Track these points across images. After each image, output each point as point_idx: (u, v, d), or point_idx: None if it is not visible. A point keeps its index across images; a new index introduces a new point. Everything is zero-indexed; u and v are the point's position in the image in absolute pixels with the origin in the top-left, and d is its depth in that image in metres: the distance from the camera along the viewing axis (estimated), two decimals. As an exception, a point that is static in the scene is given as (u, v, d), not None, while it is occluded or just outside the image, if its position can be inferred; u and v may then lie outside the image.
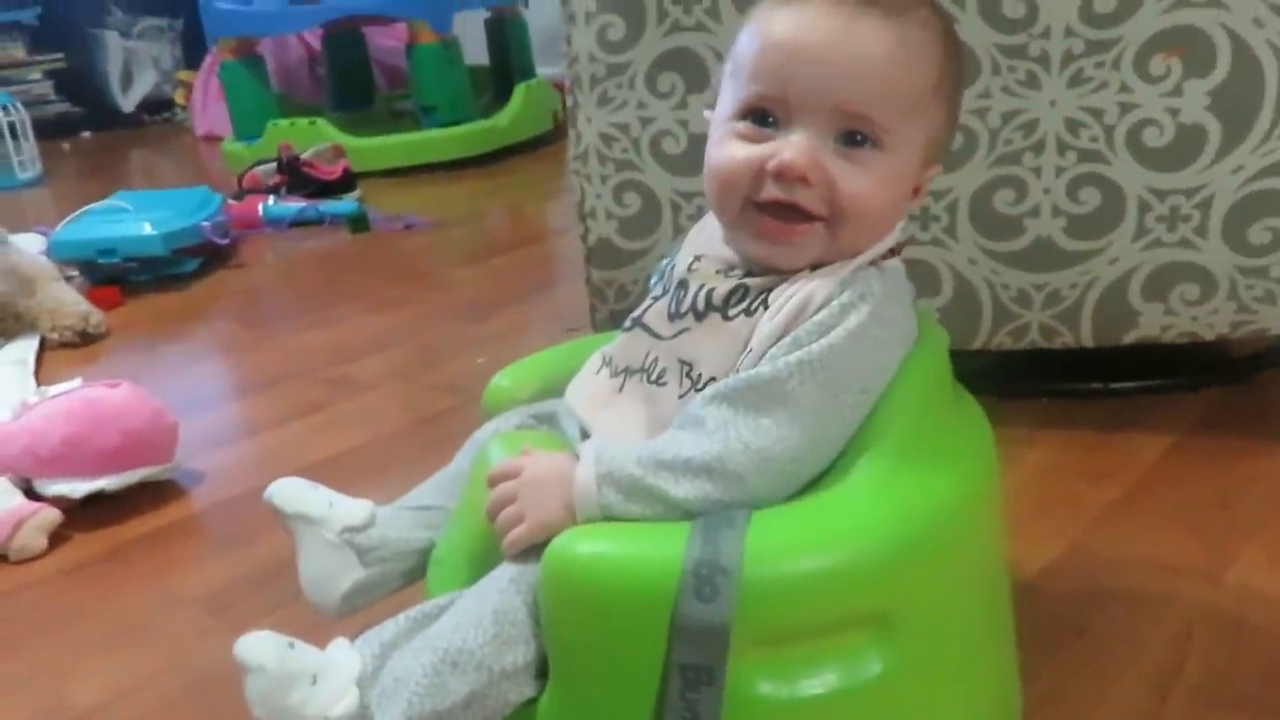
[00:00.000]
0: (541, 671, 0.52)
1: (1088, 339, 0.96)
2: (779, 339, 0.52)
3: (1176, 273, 0.91)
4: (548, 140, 2.74)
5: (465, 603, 0.53)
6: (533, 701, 0.52)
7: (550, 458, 0.54)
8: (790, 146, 0.52)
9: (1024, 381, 1.07)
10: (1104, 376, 1.06)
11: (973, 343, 0.98)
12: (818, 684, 0.49)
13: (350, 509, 0.65)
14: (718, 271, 0.57)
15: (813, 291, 0.52)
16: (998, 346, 0.98)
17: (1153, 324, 0.94)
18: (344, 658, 0.51)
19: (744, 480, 0.50)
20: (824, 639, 0.50)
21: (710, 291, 0.56)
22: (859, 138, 0.52)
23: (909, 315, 0.56)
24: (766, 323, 0.53)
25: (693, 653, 0.45)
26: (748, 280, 0.55)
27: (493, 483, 0.54)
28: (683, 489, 0.50)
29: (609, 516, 0.51)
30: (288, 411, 1.22)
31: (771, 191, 0.53)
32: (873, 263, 0.54)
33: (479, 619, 0.51)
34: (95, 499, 0.98)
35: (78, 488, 0.97)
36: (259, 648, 0.50)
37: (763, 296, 0.54)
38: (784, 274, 0.54)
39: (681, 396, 0.55)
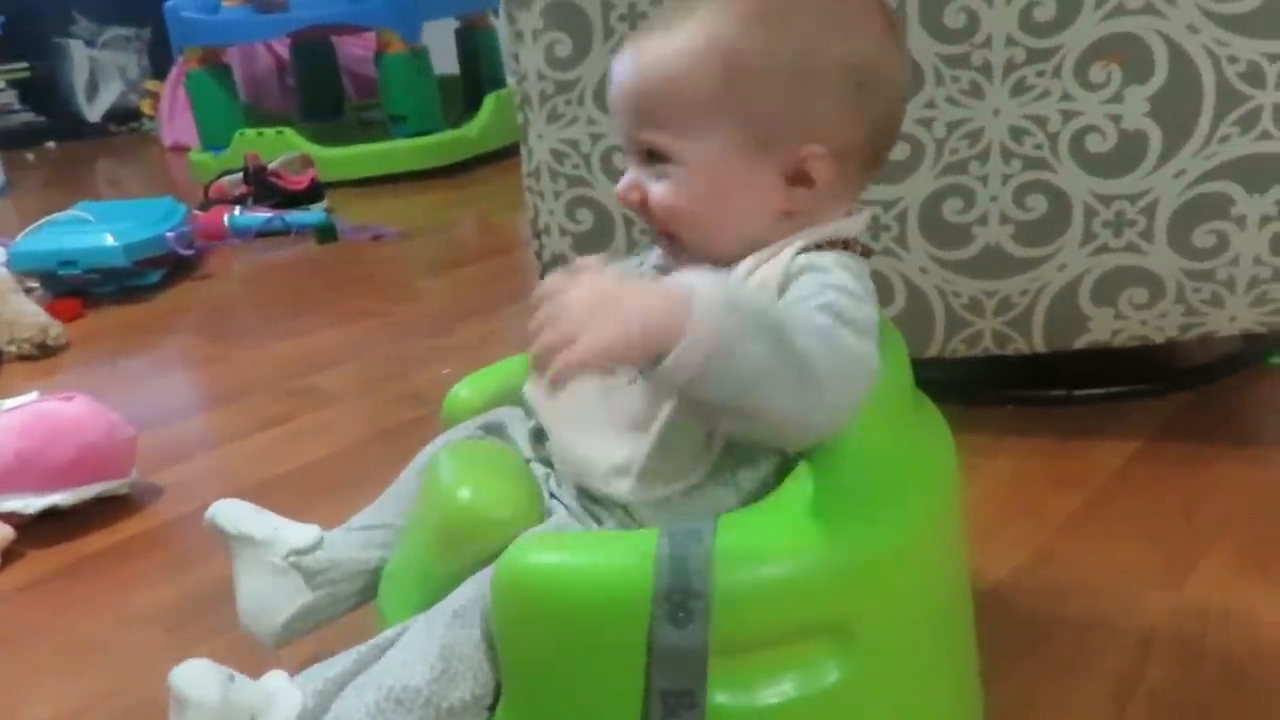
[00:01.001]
0: (492, 705, 0.52)
1: (1040, 344, 0.97)
2: None
3: (1124, 277, 0.93)
4: (517, 151, 2.72)
5: (412, 637, 0.53)
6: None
7: (622, 274, 0.50)
8: (621, 180, 0.57)
9: (988, 389, 1.08)
10: (1067, 384, 1.07)
11: (926, 351, 0.99)
12: (775, 693, 0.49)
13: (297, 533, 0.64)
14: (654, 267, 0.60)
15: (765, 276, 0.54)
16: (951, 354, 0.99)
17: (1103, 328, 0.95)
18: (285, 695, 0.51)
19: (853, 348, 0.49)
20: (782, 648, 0.50)
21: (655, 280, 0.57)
22: (654, 155, 0.55)
23: (870, 287, 0.56)
24: None
25: (673, 678, 0.46)
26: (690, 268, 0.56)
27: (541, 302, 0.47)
28: (805, 340, 0.47)
29: (709, 352, 0.45)
30: (250, 424, 1.21)
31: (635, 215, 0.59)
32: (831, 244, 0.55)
33: (425, 655, 0.51)
34: (49, 515, 0.98)
35: (31, 503, 0.96)
36: (199, 681, 0.49)
37: None
38: (723, 268, 0.55)
39: (631, 383, 0.56)
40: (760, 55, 0.54)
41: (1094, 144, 0.89)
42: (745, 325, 0.45)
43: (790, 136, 0.54)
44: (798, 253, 0.54)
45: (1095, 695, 0.67)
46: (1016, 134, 0.90)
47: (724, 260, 0.55)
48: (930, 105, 0.90)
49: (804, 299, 0.51)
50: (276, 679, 0.52)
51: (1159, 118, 0.87)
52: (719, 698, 0.49)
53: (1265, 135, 0.86)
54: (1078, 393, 1.07)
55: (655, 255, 0.61)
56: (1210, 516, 0.86)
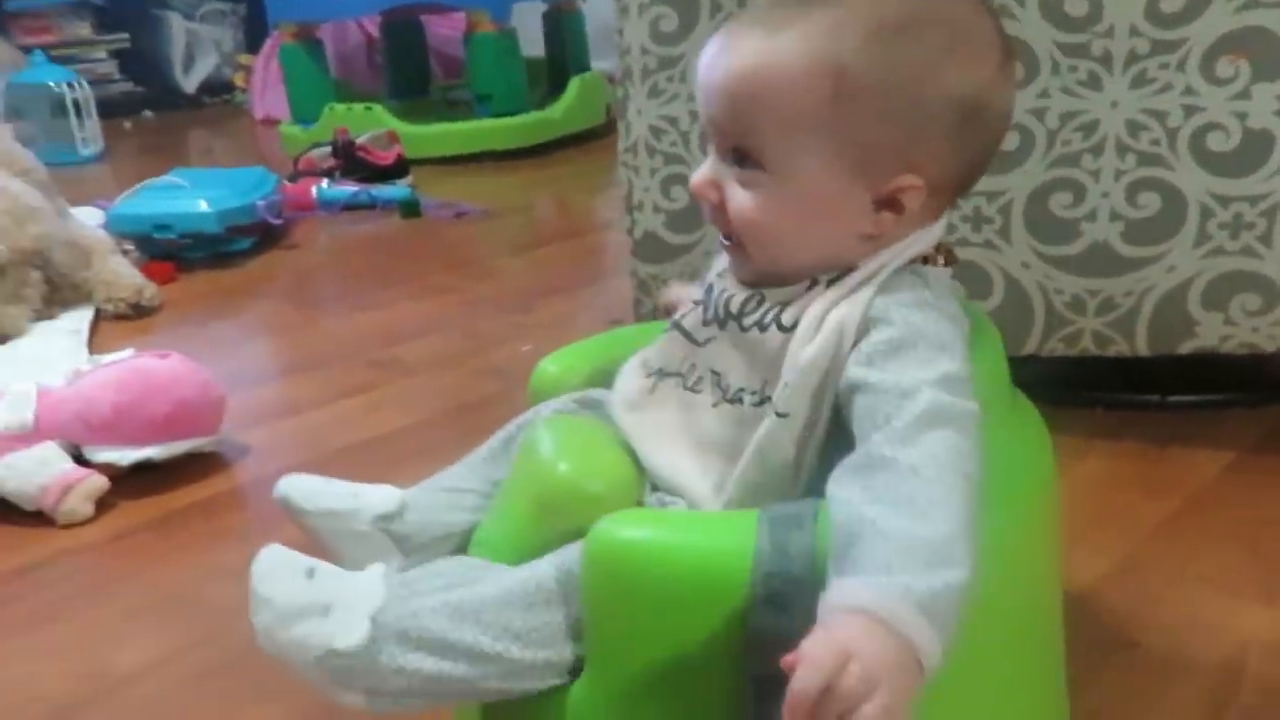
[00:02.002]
0: (572, 672, 0.51)
1: (1143, 348, 0.94)
2: (823, 375, 0.50)
3: (1237, 282, 0.89)
4: (600, 134, 2.74)
5: (505, 576, 0.52)
6: (560, 689, 0.51)
7: (850, 622, 0.42)
8: (700, 169, 0.54)
9: (1077, 391, 1.05)
10: (1159, 389, 1.03)
11: (1023, 349, 0.96)
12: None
13: (378, 497, 0.62)
14: (735, 278, 0.56)
15: (843, 319, 0.51)
16: (1049, 353, 0.96)
17: (1211, 334, 0.91)
18: (368, 588, 0.49)
19: (968, 475, 0.46)
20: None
21: (729, 299, 0.55)
22: (746, 158, 0.52)
23: (954, 307, 0.54)
24: (799, 349, 0.51)
25: (766, 663, 0.44)
26: (765, 290, 0.54)
27: (820, 675, 0.40)
28: (959, 504, 0.45)
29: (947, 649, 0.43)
30: (333, 392, 1.23)
31: (704, 211, 0.55)
32: (909, 266, 0.53)
33: (511, 599, 0.50)
34: (142, 468, 1.00)
35: (126, 455, 0.98)
36: (273, 578, 0.48)
37: (775, 310, 0.53)
38: (790, 283, 0.53)
39: (715, 406, 0.55)
40: (873, 79, 0.50)
41: (1216, 142, 0.86)
42: (953, 619, 0.43)
43: (889, 165, 0.51)
44: (876, 292, 0.51)
45: (1185, 706, 0.65)
46: (1133, 128, 0.87)
47: (790, 274, 0.53)
48: (1044, 95, 0.88)
49: (904, 403, 0.47)
50: (372, 573, 0.51)
51: (1288, 116, 0.84)
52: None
53: (1402, 138, 0.82)
54: (1171, 399, 1.03)
55: (721, 256, 0.59)
56: (1311, 533, 0.83)
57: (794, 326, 0.52)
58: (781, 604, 0.46)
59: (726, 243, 0.55)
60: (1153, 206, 0.89)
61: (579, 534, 0.52)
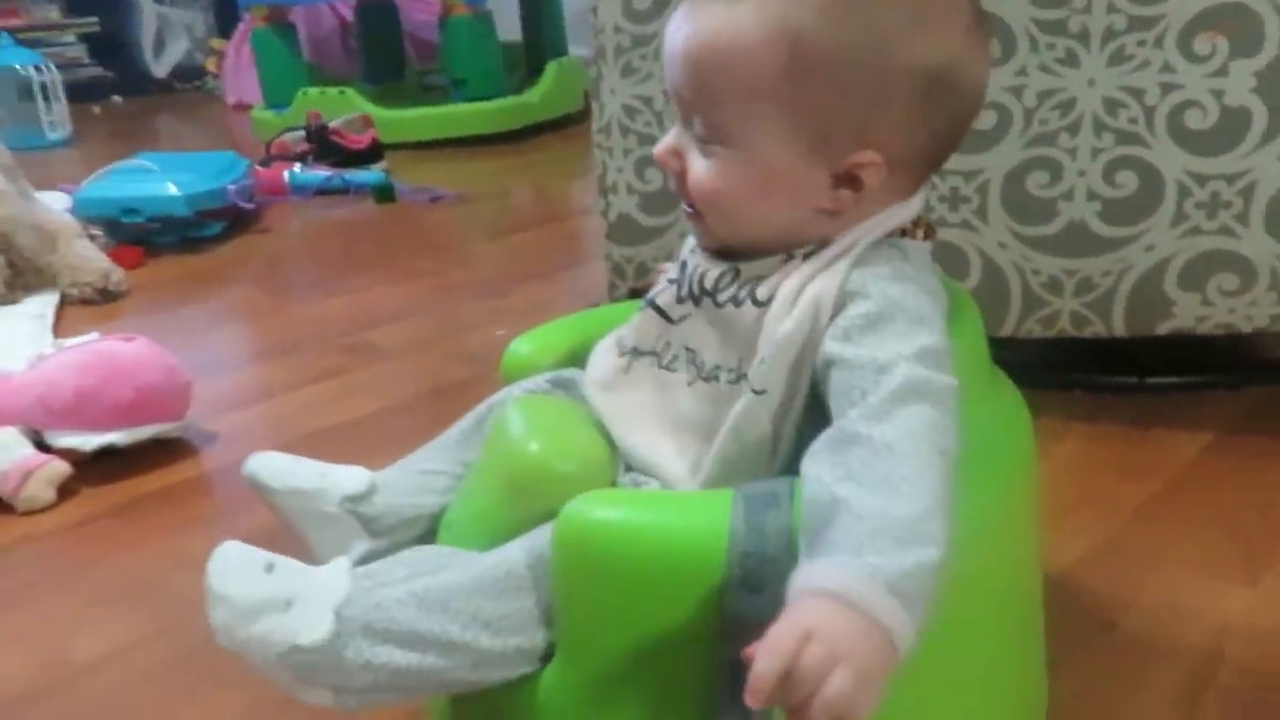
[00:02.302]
0: (544, 658, 0.50)
1: (1120, 328, 0.93)
2: (800, 350, 0.49)
3: (1215, 261, 0.89)
4: (578, 119, 2.72)
5: (471, 567, 0.50)
6: (531, 676, 0.50)
7: (815, 605, 0.41)
8: (663, 139, 0.54)
9: (1055, 373, 1.04)
10: (1138, 371, 1.03)
11: (1000, 330, 0.95)
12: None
13: (346, 477, 0.61)
14: (708, 253, 0.55)
15: (820, 293, 0.50)
16: (1026, 334, 0.96)
17: (1188, 314, 0.91)
18: (331, 581, 0.48)
19: (946, 452, 0.45)
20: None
21: (703, 274, 0.54)
22: (707, 131, 0.51)
23: (933, 281, 0.53)
24: (775, 324, 0.50)
25: (743, 647, 0.43)
26: (739, 264, 0.53)
27: (780, 657, 0.40)
28: (936, 479, 0.44)
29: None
30: (303, 377, 1.21)
31: (669, 179, 0.55)
32: (887, 240, 0.52)
33: (479, 588, 0.49)
34: (105, 454, 0.98)
35: (88, 441, 0.96)
36: (230, 574, 0.46)
37: (750, 285, 0.52)
38: (761, 256, 0.52)
39: (690, 384, 0.54)
40: (829, 49, 0.48)
41: (1193, 120, 0.85)
42: (926, 598, 0.42)
43: (847, 139, 0.50)
44: (853, 265, 0.50)
45: (1164, 688, 0.65)
46: (1111, 106, 0.86)
47: (752, 246, 0.52)
48: (1021, 73, 0.87)
49: (881, 378, 0.46)
50: (334, 567, 0.49)
51: (1265, 95, 0.83)
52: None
53: (1379, 116, 0.82)
54: (1149, 380, 1.03)
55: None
56: (1287, 514, 0.82)
57: (769, 301, 0.51)
58: (757, 585, 0.45)
59: (689, 210, 0.54)
60: (1130, 185, 0.88)
61: (550, 515, 0.51)
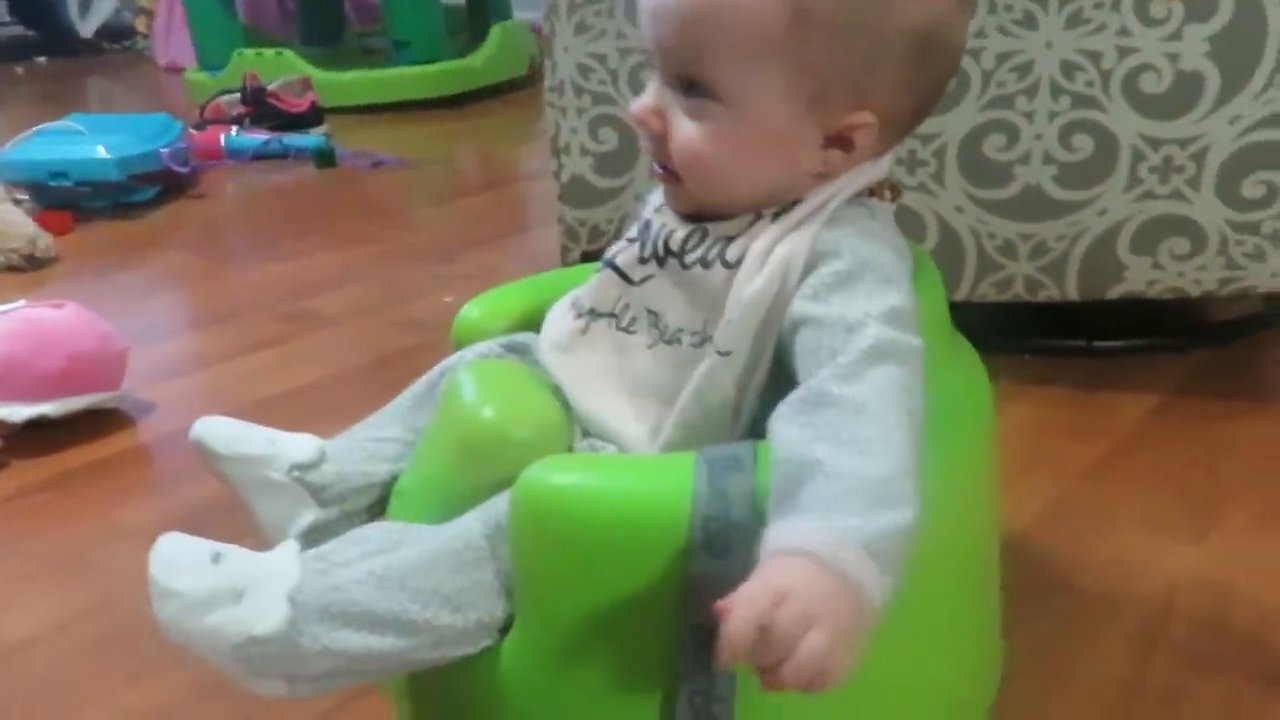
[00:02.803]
0: (502, 630, 0.49)
1: (1073, 292, 0.94)
2: (767, 312, 0.48)
3: (1167, 226, 0.89)
4: (522, 84, 2.67)
5: (426, 543, 0.49)
6: (491, 648, 0.49)
7: (788, 564, 0.40)
8: (642, 97, 0.51)
9: (1006, 337, 1.05)
10: (1087, 335, 1.04)
11: (955, 294, 0.95)
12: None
13: (296, 445, 0.59)
14: (675, 213, 0.53)
15: (790, 253, 0.49)
16: (980, 298, 0.96)
17: (1139, 279, 0.92)
18: (281, 567, 0.46)
19: (914, 411, 0.44)
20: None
21: (669, 235, 0.52)
22: (696, 87, 0.49)
23: (900, 240, 0.52)
24: (743, 286, 0.49)
25: (707, 612, 0.42)
26: (707, 225, 0.52)
27: (751, 619, 0.38)
28: (905, 486, 0.43)
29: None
30: (244, 345, 1.17)
31: (642, 139, 0.52)
32: (855, 199, 0.51)
33: (437, 563, 0.47)
34: (36, 425, 0.94)
35: (18, 411, 0.92)
36: (175, 568, 0.44)
37: (719, 246, 0.51)
38: (731, 216, 0.51)
39: (651, 347, 0.52)
40: (834, 4, 0.47)
41: (1148, 84, 0.85)
42: (900, 558, 0.41)
43: (842, 98, 0.49)
44: (823, 225, 0.49)
45: (1117, 644, 0.66)
46: (1068, 69, 0.86)
47: (729, 207, 0.51)
48: (980, 34, 0.86)
49: (850, 338, 0.45)
50: (283, 552, 0.47)
51: (1218, 59, 0.83)
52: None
53: (1328, 81, 0.82)
54: (1097, 344, 1.04)
55: (655, 192, 0.56)
56: (1231, 472, 0.84)
57: (739, 263, 0.49)
58: (721, 549, 0.44)
59: (661, 172, 0.52)
60: (1086, 149, 0.88)
61: (505, 483, 0.49)
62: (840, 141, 0.50)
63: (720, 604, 0.39)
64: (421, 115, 2.40)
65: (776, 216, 0.50)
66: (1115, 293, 0.93)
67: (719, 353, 0.49)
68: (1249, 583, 0.71)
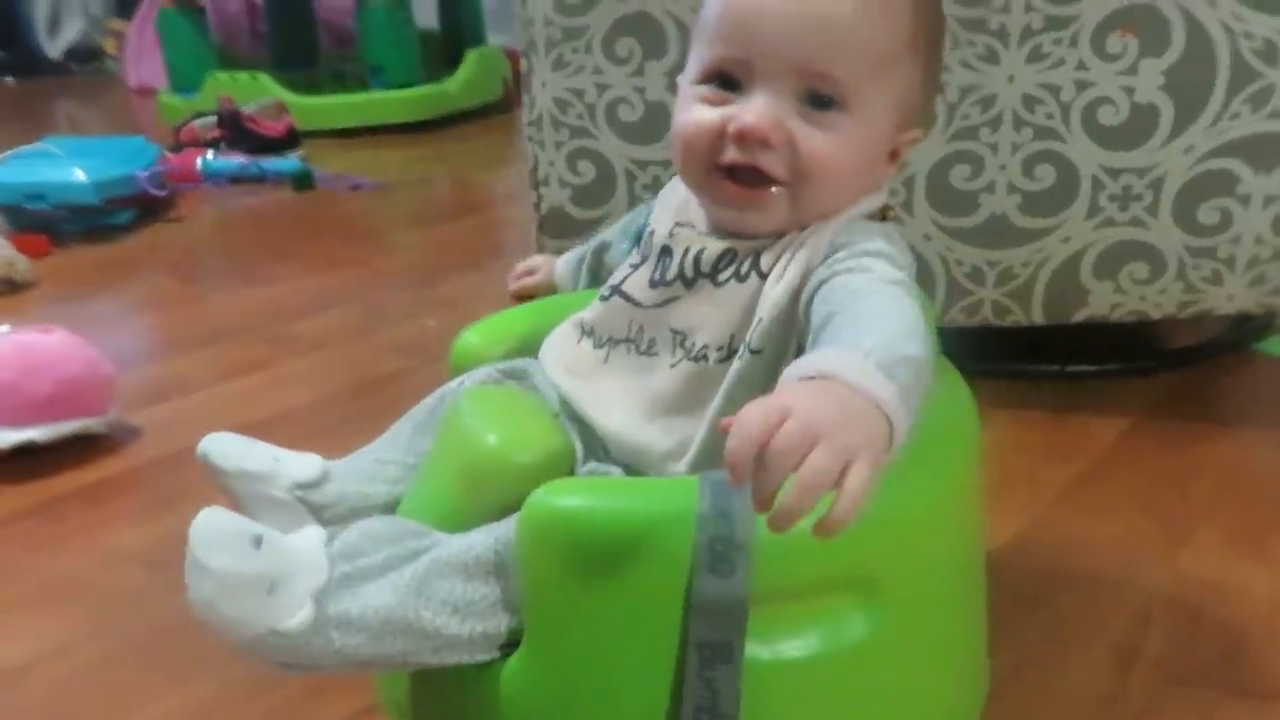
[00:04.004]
0: (506, 645, 0.51)
1: (1039, 317, 0.97)
2: (793, 302, 0.51)
3: (1127, 251, 0.93)
4: (498, 109, 2.70)
5: (445, 545, 0.51)
6: (494, 664, 0.50)
7: (794, 385, 0.40)
8: (751, 109, 0.51)
9: (979, 361, 1.07)
10: (1059, 359, 1.07)
11: (925, 317, 0.98)
12: (800, 646, 0.49)
13: (299, 463, 0.61)
14: (702, 234, 0.56)
15: (811, 251, 0.52)
16: (950, 323, 0.99)
17: (1102, 303, 0.95)
18: (311, 562, 0.47)
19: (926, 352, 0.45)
20: (809, 601, 0.49)
21: (699, 255, 0.55)
22: (823, 99, 0.51)
23: (909, 256, 0.55)
24: (773, 288, 0.52)
25: (711, 630, 0.44)
26: (736, 244, 0.54)
27: (750, 435, 0.37)
28: (919, 347, 0.44)
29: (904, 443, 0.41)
30: (229, 369, 1.18)
31: (732, 154, 0.52)
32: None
33: (455, 565, 0.49)
34: (23, 451, 0.94)
35: (6, 438, 0.93)
36: (216, 545, 0.45)
37: (751, 259, 0.53)
38: (768, 236, 0.54)
39: (674, 366, 0.54)
40: (934, 20, 0.54)
41: (1106, 115, 0.89)
42: (916, 393, 0.42)
43: (916, 114, 0.54)
44: (842, 226, 0.53)
45: (1097, 662, 0.68)
46: (1029, 102, 0.89)
47: (821, 218, 0.53)
48: (945, 69, 0.89)
49: (878, 276, 0.49)
50: (309, 539, 0.49)
51: (1172, 91, 0.87)
52: (746, 649, 0.47)
53: (1275, 114, 0.86)
54: (1069, 369, 1.07)
55: (667, 212, 0.58)
56: (1202, 493, 0.87)
57: (771, 270, 0.53)
58: (726, 570, 0.46)
59: (749, 187, 0.52)
60: (1048, 179, 0.92)
61: (508, 507, 0.51)
62: (894, 155, 0.55)
63: (724, 420, 0.38)
64: (397, 139, 2.42)
65: (804, 228, 0.53)
66: (1080, 316, 0.97)
67: (751, 351, 0.52)
68: (1222, 598, 0.73)
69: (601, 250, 0.71)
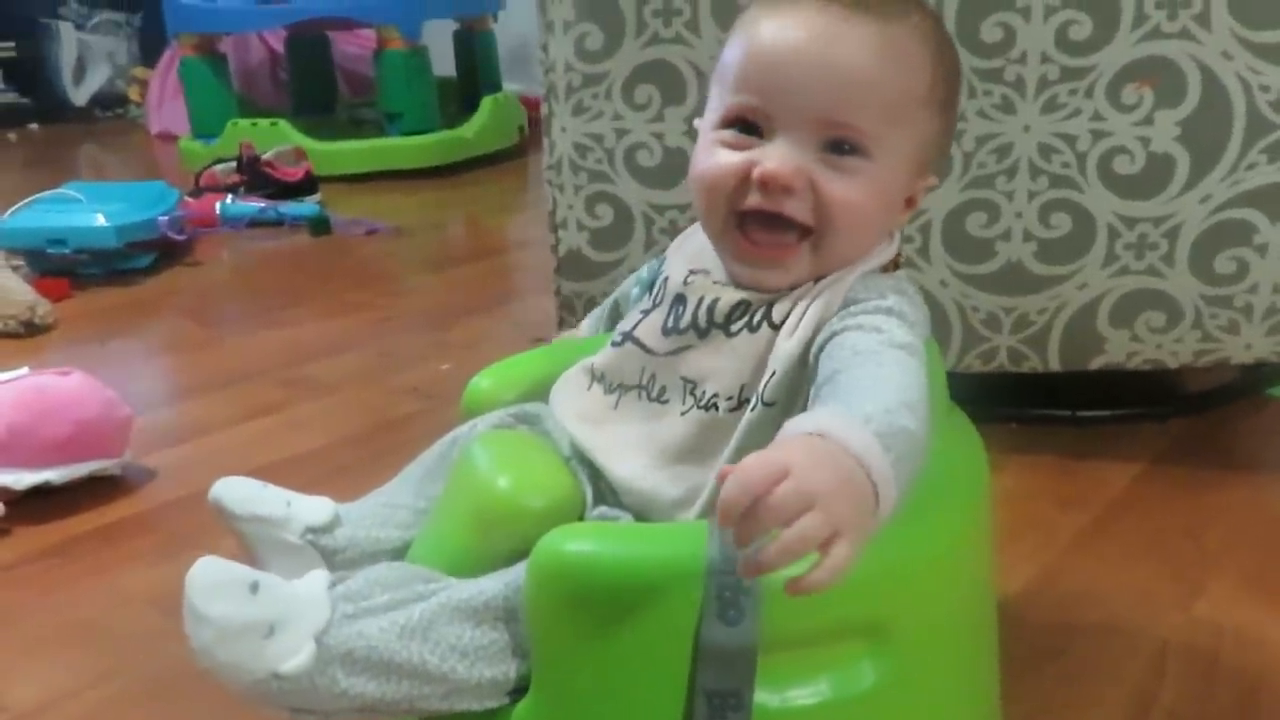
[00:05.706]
0: (514, 691, 0.50)
1: (1055, 364, 0.97)
2: (805, 353, 0.52)
3: (1143, 300, 0.93)
4: (512, 154, 2.73)
5: (453, 590, 0.50)
6: (502, 710, 0.50)
7: (795, 442, 0.41)
8: (773, 155, 0.51)
9: (992, 407, 1.07)
10: (1071, 405, 1.07)
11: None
12: (811, 693, 0.48)
13: (311, 507, 0.61)
14: (716, 283, 0.56)
15: (826, 303, 0.52)
16: (965, 369, 0.99)
17: (1119, 350, 0.95)
18: (312, 604, 0.47)
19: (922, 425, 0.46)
20: (819, 648, 0.49)
21: (713, 305, 0.55)
22: (845, 146, 0.51)
23: (923, 311, 0.55)
24: (785, 341, 0.52)
25: (720, 677, 0.44)
26: (750, 295, 0.54)
27: (749, 486, 0.38)
28: (918, 422, 0.44)
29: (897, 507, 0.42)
30: (245, 411, 1.19)
31: (755, 200, 0.52)
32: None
33: (463, 610, 0.49)
34: (39, 492, 0.95)
35: (22, 479, 0.93)
36: (213, 593, 0.45)
37: (764, 310, 0.54)
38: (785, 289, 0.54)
39: (684, 414, 0.54)
40: (951, 70, 0.54)
41: (1122, 165, 0.89)
42: (908, 468, 0.43)
43: (929, 162, 0.55)
44: (857, 281, 0.54)
45: (1112, 711, 0.67)
46: (1045, 151, 0.90)
47: (842, 264, 0.53)
48: (961, 118, 0.90)
49: (887, 339, 0.50)
50: (312, 582, 0.49)
51: (1188, 142, 0.88)
52: (755, 696, 0.47)
53: (1292, 165, 0.87)
54: (1081, 414, 1.07)
55: (681, 259, 0.59)
56: (1216, 539, 0.86)
57: (784, 322, 0.53)
58: (735, 617, 0.46)
59: (771, 237, 0.52)
60: (1064, 227, 0.92)
61: (518, 552, 0.51)
62: (910, 202, 0.55)
63: (723, 468, 0.39)
64: (413, 184, 2.44)
65: (818, 280, 0.54)
66: (1096, 364, 0.96)
67: (765, 404, 0.52)
68: (1237, 646, 0.72)
69: (617, 306, 0.72)
